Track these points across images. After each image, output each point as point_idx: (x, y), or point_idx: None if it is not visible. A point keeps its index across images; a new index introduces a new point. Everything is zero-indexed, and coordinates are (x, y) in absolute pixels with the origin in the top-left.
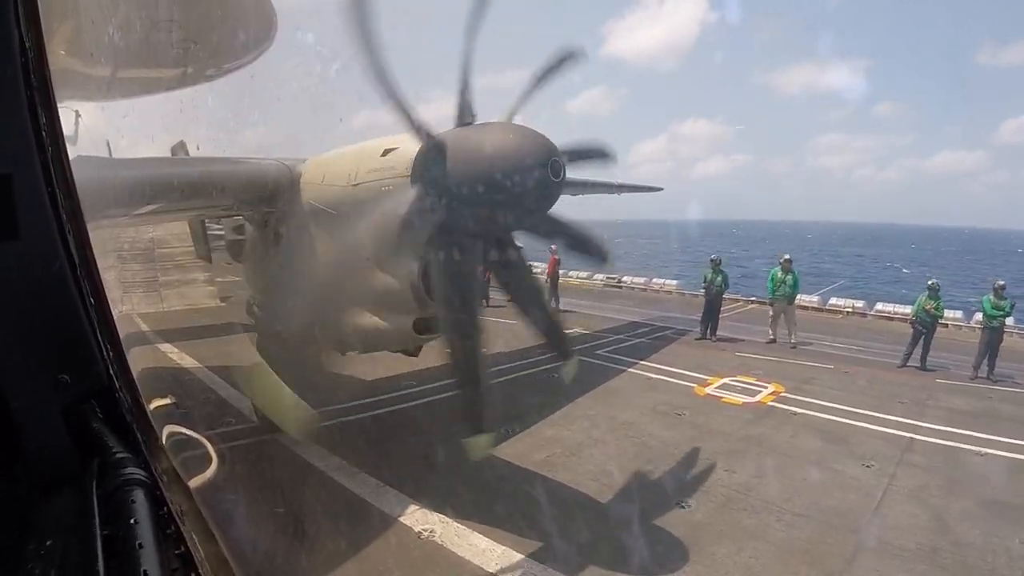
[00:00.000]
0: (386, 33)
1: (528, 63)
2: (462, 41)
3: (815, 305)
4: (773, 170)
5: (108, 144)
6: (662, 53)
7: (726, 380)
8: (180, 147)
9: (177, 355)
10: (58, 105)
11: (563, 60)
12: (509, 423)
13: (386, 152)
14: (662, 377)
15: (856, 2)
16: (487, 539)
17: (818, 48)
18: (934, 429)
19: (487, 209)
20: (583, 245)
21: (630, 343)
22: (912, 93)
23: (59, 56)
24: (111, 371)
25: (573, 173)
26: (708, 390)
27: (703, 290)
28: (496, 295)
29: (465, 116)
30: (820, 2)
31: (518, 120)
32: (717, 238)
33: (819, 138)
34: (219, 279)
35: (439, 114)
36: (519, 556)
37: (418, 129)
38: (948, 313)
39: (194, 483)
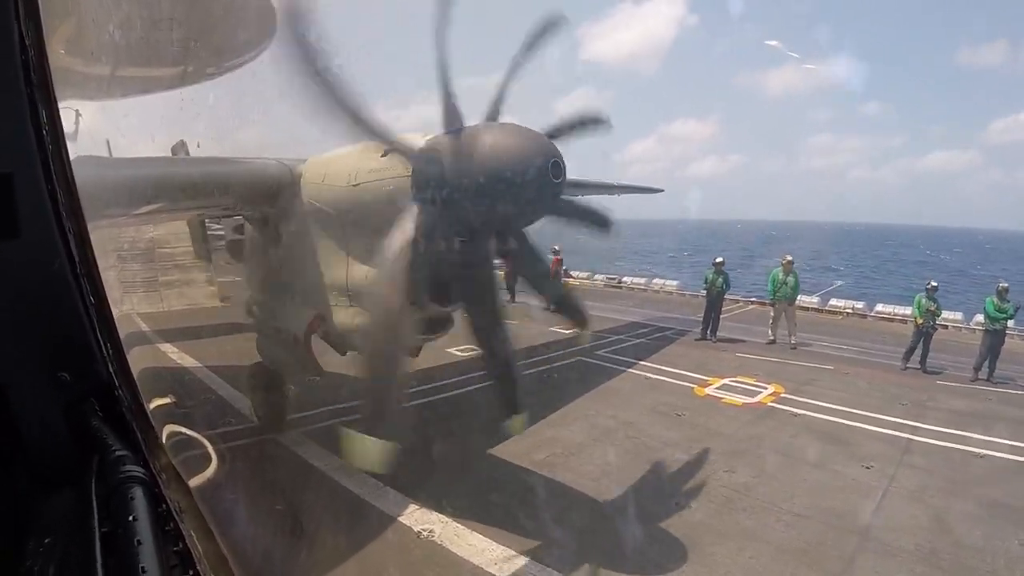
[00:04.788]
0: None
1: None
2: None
3: (815, 306)
4: (767, 171)
5: (108, 143)
6: (643, 56)
7: (726, 381)
8: (180, 146)
9: (177, 354)
10: (59, 104)
11: (547, 28)
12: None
13: (386, 152)
14: (662, 377)
15: (836, 3)
16: (486, 539)
17: (804, 48)
18: (934, 430)
19: (487, 210)
20: (585, 217)
21: (630, 343)
22: (898, 93)
23: (60, 54)
24: (111, 369)
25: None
26: (708, 391)
27: (704, 291)
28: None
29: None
30: (800, 3)
31: (510, 115)
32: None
33: (809, 139)
34: (219, 279)
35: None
36: (518, 556)
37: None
38: (948, 315)
39: (193, 482)
